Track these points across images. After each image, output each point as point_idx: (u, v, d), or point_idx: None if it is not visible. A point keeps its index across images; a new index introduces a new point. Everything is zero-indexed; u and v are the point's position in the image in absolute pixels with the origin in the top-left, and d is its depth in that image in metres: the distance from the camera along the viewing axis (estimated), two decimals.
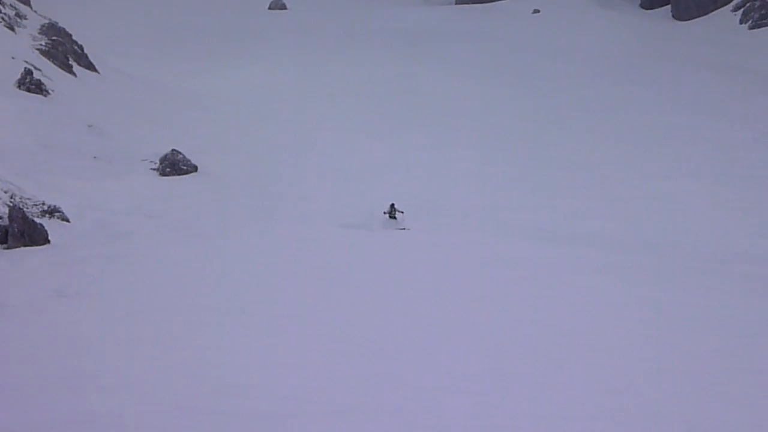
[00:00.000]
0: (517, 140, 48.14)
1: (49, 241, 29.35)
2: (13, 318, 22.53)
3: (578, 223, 36.20)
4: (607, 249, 31.82)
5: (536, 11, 77.58)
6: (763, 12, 68.88)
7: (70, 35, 48.31)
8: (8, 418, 15.85)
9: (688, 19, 75.44)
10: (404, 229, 33.25)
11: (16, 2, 48.77)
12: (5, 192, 30.20)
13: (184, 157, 38.78)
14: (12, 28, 45.56)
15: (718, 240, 34.45)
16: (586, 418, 15.56)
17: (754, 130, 51.29)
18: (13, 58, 42.60)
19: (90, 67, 47.54)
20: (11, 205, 29.53)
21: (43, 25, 47.35)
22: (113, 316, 22.81)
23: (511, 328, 22.74)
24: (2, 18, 45.54)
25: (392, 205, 33.49)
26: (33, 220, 29.54)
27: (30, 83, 41.15)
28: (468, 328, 22.71)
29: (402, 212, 33.47)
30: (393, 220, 33.50)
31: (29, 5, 50.11)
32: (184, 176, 38.13)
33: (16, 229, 28.82)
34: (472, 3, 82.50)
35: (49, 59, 44.74)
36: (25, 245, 28.82)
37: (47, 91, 41.67)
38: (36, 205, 30.83)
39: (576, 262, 29.68)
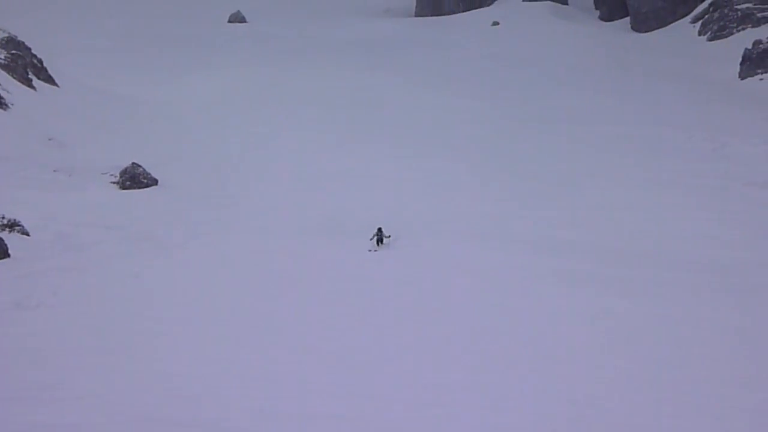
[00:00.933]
0: (478, 150, 47.86)
1: (8, 255, 29.24)
2: None
3: (544, 232, 35.97)
4: (574, 258, 31.84)
5: (495, 23, 77.23)
6: (721, 23, 68.91)
7: (30, 49, 48.19)
8: None
9: (647, 31, 75.47)
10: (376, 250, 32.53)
11: None
12: None
13: (144, 170, 38.63)
14: None
15: (685, 249, 34.20)
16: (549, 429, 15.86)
17: (713, 141, 50.90)
18: None
19: (49, 80, 47.43)
20: None
21: (1, 39, 47.11)
22: (73, 327, 22.84)
23: (480, 340, 22.75)
24: None
25: (379, 229, 32.92)
26: None
27: None
28: (433, 339, 22.72)
29: (389, 236, 32.97)
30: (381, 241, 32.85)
31: None
32: (145, 189, 38.01)
33: None
34: (432, 15, 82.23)
35: (8, 73, 44.56)
36: None
37: (6, 105, 41.61)
38: None
39: (544, 271, 29.73)
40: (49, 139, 39.96)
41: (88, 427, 15.29)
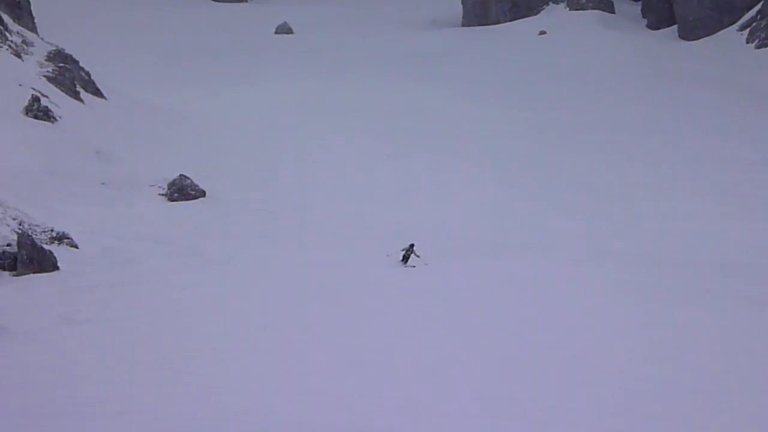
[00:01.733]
0: (524, 162, 48.10)
1: (57, 268, 29.28)
2: (21, 344, 22.59)
3: (592, 243, 35.99)
4: (620, 268, 31.73)
5: (542, 32, 77.28)
6: (763, 28, 68.92)
7: (77, 62, 48.40)
8: None
9: (695, 39, 75.19)
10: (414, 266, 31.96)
11: (23, 30, 48.91)
12: (14, 219, 30.24)
13: (192, 182, 38.73)
14: (19, 56, 45.67)
15: (743, 260, 34.26)
16: None
17: (761, 150, 51.20)
18: (20, 85, 42.63)
19: (97, 93, 47.63)
20: (20, 232, 29.57)
21: (50, 52, 47.47)
22: (121, 343, 22.79)
23: (521, 351, 22.51)
24: (9, 45, 45.69)
25: (412, 245, 31.91)
26: (42, 247, 29.50)
27: (37, 110, 41.09)
28: (478, 351, 22.51)
29: (419, 256, 31.89)
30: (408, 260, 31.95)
31: (36, 32, 50.23)
32: (193, 201, 38.15)
33: (24, 256, 28.84)
34: (479, 25, 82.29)
35: (56, 86, 44.81)
36: (34, 272, 28.79)
37: (54, 118, 41.64)
38: (44, 231, 30.73)
39: (591, 281, 29.61)
40: (97, 153, 40.04)
41: None
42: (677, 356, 22.08)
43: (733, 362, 21.52)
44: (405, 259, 31.54)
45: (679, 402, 17.81)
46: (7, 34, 46.23)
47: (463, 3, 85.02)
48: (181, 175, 38.79)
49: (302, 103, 55.88)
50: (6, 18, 47.59)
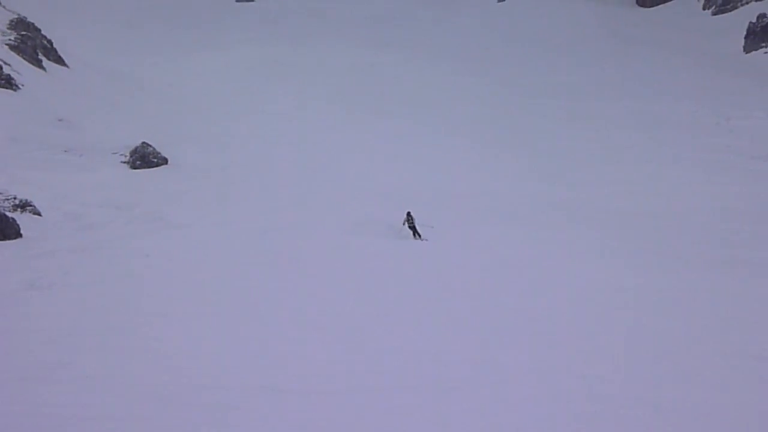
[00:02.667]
0: (486, 128, 48.33)
1: (21, 235, 29.39)
2: None
3: (553, 207, 36.55)
4: (582, 232, 32.43)
5: (501, 0, 77.32)
6: None
7: (39, 30, 48.29)
8: None
9: (652, 6, 75.99)
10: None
11: None
12: None
13: (154, 149, 38.82)
14: None
15: (686, 223, 34.33)
16: (561, 402, 15.90)
17: (719, 115, 51.37)
18: None
19: (59, 61, 47.65)
20: None
21: (12, 20, 47.35)
22: (85, 307, 22.98)
23: (501, 318, 22.71)
24: None
25: (409, 214, 31.16)
26: (5, 215, 29.53)
27: (0, 78, 41.20)
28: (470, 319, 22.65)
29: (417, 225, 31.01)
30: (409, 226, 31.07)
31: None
32: (155, 168, 38.14)
33: None
34: None
35: (18, 54, 44.77)
36: None
37: (17, 86, 41.73)
38: (7, 199, 30.80)
39: (549, 244, 30.04)
40: (59, 120, 40.08)
41: (96, 407, 15.42)
42: (644, 321, 22.31)
43: (687, 323, 21.88)
44: (413, 230, 30.82)
45: (644, 367, 18.20)
46: None
47: None
48: (143, 142, 38.86)
49: (262, 69, 56.29)
50: None
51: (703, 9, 71.24)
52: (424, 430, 15.32)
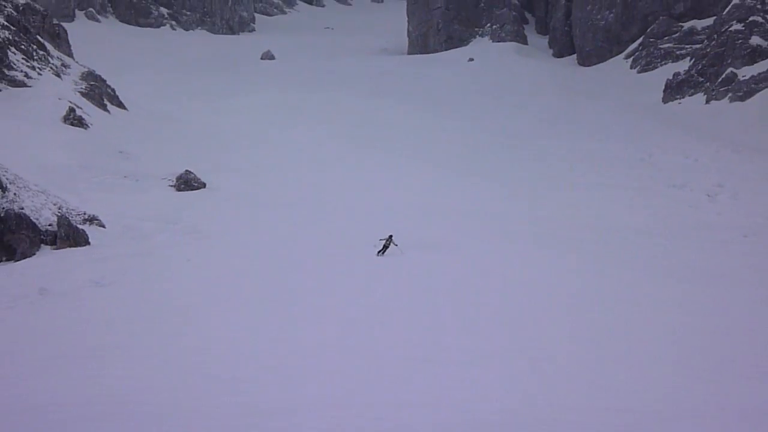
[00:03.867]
0: (456, 160, 48.29)
1: (89, 243, 29.50)
2: (59, 303, 22.98)
3: (508, 222, 36.74)
4: (524, 246, 32.26)
5: (471, 59, 76.80)
6: (648, 59, 69.07)
7: (105, 80, 48.46)
8: (52, 383, 16.04)
9: (590, 65, 75.31)
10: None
11: (62, 55, 48.93)
12: (54, 204, 30.37)
13: (195, 176, 38.80)
14: (59, 75, 45.88)
15: (622, 239, 34.32)
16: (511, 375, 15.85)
17: (643, 152, 51.64)
18: (59, 99, 42.90)
19: (120, 105, 47.81)
20: (59, 214, 29.73)
21: (83, 73, 47.55)
22: (138, 300, 23.18)
23: (470, 311, 22.58)
24: (51, 67, 45.82)
25: (390, 237, 29.57)
26: (76, 227, 29.74)
27: (73, 118, 41.52)
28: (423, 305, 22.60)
29: (397, 245, 29.44)
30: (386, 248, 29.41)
31: (72, 57, 50.18)
32: (195, 191, 38.14)
33: (63, 234, 29.12)
34: (421, 54, 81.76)
35: (88, 100, 45.09)
36: (70, 246, 29.04)
37: (86, 125, 42.04)
38: (79, 214, 30.88)
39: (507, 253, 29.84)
40: (120, 152, 40.17)
41: (143, 379, 15.55)
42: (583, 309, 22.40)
43: (620, 314, 21.93)
44: (385, 248, 29.32)
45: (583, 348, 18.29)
46: (49, 58, 46.36)
47: (408, 36, 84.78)
48: (186, 170, 38.92)
49: (282, 112, 56.22)
50: (49, 46, 47.79)
51: (630, 68, 70.49)
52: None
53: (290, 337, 20.31)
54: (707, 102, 60.07)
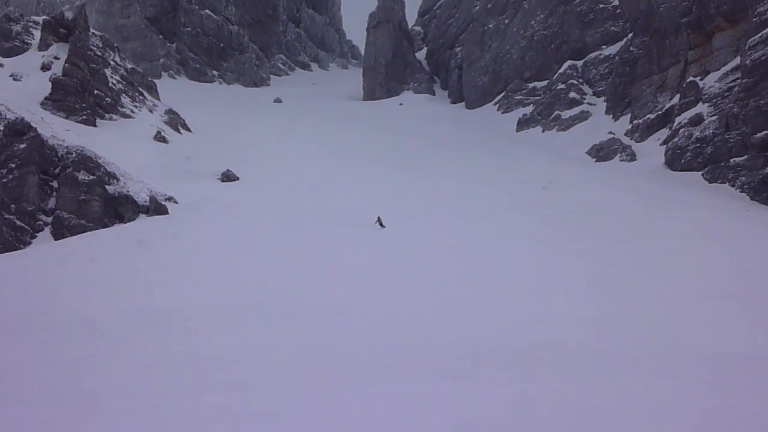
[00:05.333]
0: (385, 181, 41.68)
1: (168, 213, 30.09)
2: (149, 248, 23.90)
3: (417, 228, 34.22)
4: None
5: (401, 104, 75.42)
6: (507, 105, 68.58)
7: (178, 114, 48.16)
8: (150, 293, 17.11)
9: (473, 108, 73.77)
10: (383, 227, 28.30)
11: (153, 99, 48.72)
12: (147, 189, 30.91)
13: (233, 173, 38.71)
14: (151, 111, 45.86)
15: (493, 212, 32.83)
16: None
17: (504, 160, 48.99)
18: (151, 125, 42.99)
19: (188, 129, 47.80)
20: (150, 195, 30.38)
21: (165, 110, 47.50)
22: (196, 247, 24.04)
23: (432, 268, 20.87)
24: (146, 106, 46.03)
25: (379, 218, 28.57)
26: (160, 203, 30.35)
27: (159, 137, 41.75)
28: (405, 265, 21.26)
29: (383, 226, 28.19)
30: (377, 225, 28.33)
31: (159, 100, 49.88)
32: (233, 182, 38.01)
33: (152, 207, 29.88)
34: (370, 99, 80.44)
35: (169, 126, 45.25)
36: (157, 214, 29.68)
37: (167, 141, 42.28)
38: (162, 195, 31.29)
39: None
40: (187, 158, 40.32)
41: (198, 300, 15.77)
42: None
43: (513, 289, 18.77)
44: (379, 222, 28.15)
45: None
46: (145, 101, 46.40)
47: (363, 89, 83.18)
48: (227, 169, 38.97)
49: (292, 132, 55.73)
50: (145, 93, 47.71)
51: (497, 111, 69.60)
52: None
53: (300, 261, 21.16)
54: (543, 131, 60.81)
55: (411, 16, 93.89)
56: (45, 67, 42.54)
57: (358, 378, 8.16)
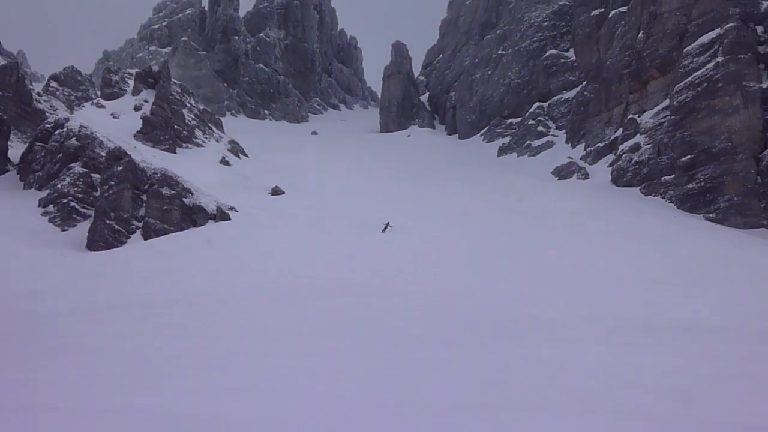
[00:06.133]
0: (393, 202, 43.21)
1: (230, 219, 29.99)
2: (216, 246, 23.90)
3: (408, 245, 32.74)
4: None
5: (409, 135, 73.65)
6: (491, 137, 67.31)
7: (238, 143, 47.94)
8: (216, 278, 17.03)
9: (464, 139, 72.39)
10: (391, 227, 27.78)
11: (219, 132, 48.55)
12: (214, 201, 30.83)
13: (279, 188, 38.47)
14: (217, 141, 45.90)
15: (478, 219, 31.69)
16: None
17: (487, 176, 47.70)
18: (217, 152, 43.02)
19: (245, 155, 47.63)
20: (217, 206, 30.32)
21: (229, 140, 47.43)
22: (251, 246, 23.94)
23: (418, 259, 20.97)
24: (214, 138, 46.07)
25: (387, 223, 27.94)
26: (225, 211, 30.34)
27: (224, 162, 41.72)
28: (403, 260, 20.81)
29: (392, 227, 27.40)
30: (386, 228, 27.73)
31: (224, 132, 49.72)
32: (280, 195, 37.64)
33: (218, 214, 29.83)
34: (385, 132, 78.80)
35: (231, 153, 45.28)
36: (222, 221, 29.62)
37: (229, 164, 42.21)
38: (225, 205, 31.20)
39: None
40: (245, 177, 40.14)
41: (247, 288, 15.65)
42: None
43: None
44: (385, 228, 27.64)
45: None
46: (213, 133, 46.51)
47: (379, 123, 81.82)
48: (276, 185, 38.78)
49: (319, 157, 54.83)
50: (213, 128, 47.76)
51: (482, 141, 66.85)
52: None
53: (331, 255, 21.03)
54: (518, 157, 59.81)
55: (416, 68, 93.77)
56: (137, 108, 43.07)
57: (387, 347, 8.13)
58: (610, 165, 44.47)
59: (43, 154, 34.62)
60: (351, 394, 5.53)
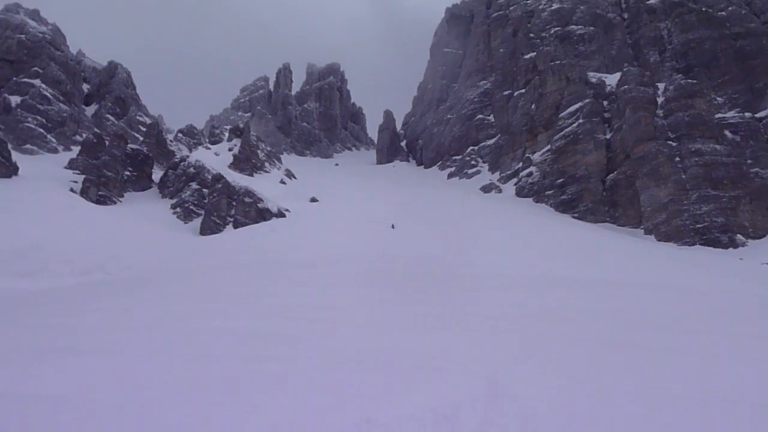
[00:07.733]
0: (386, 218, 31.04)
1: (285, 216, 29.36)
2: (278, 232, 23.37)
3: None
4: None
5: (393, 166, 70.75)
6: (442, 166, 64.52)
7: (291, 170, 46.96)
8: (271, 257, 16.45)
9: (427, 168, 69.70)
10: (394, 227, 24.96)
11: (279, 163, 47.23)
12: (276, 205, 30.34)
13: (316, 198, 37.41)
14: (278, 169, 44.88)
15: (449, 223, 27.12)
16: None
17: (443, 195, 43.55)
18: (278, 176, 42.34)
19: (295, 177, 46.26)
20: (278, 209, 29.87)
21: (286, 169, 46.61)
22: (300, 232, 23.30)
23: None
24: (276, 167, 45.09)
25: (392, 225, 24.18)
26: (282, 212, 29.87)
27: (282, 181, 40.90)
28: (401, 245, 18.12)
29: (394, 227, 23.18)
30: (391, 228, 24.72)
31: (282, 163, 48.17)
32: (316, 203, 36.30)
33: (279, 213, 29.35)
34: (378, 164, 75.60)
35: (286, 176, 44.50)
36: (280, 217, 29.08)
37: (285, 183, 41.35)
38: (283, 208, 30.66)
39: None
40: (294, 190, 39.18)
41: (301, 259, 14.92)
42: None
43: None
44: (393, 227, 24.19)
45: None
46: (275, 164, 45.68)
47: (376, 159, 79.18)
48: (313, 196, 37.77)
49: (340, 179, 52.32)
50: (275, 161, 46.58)
51: (438, 170, 64.65)
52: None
53: (353, 237, 20.11)
54: (459, 179, 58.08)
55: (399, 121, 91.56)
56: (230, 149, 42.78)
57: (396, 295, 7.88)
58: (515, 184, 45.38)
59: (173, 177, 35.69)
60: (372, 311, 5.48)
